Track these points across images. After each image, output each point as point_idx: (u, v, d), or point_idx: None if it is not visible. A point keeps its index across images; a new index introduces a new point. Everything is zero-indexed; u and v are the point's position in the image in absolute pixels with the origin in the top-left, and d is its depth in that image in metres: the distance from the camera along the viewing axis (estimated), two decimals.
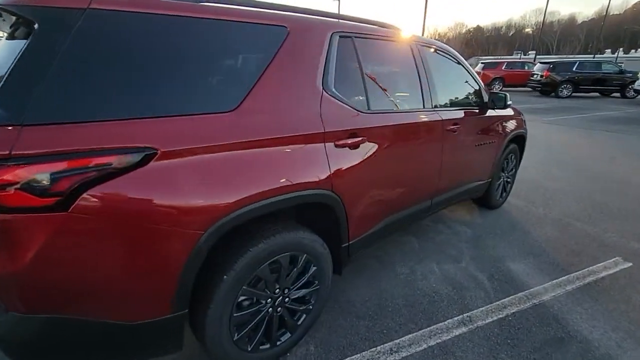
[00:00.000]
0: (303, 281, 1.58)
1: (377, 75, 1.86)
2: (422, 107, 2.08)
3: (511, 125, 3.05)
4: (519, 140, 3.34)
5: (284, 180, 1.31)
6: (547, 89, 15.33)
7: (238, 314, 1.36)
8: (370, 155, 1.70)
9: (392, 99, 1.96)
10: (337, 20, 1.69)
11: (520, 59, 31.70)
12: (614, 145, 6.34)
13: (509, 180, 3.43)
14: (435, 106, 2.16)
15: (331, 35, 1.59)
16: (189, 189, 1.09)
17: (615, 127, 8.08)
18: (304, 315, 1.66)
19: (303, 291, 1.60)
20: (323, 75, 1.51)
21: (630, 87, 14.62)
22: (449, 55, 2.47)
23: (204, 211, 1.12)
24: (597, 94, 15.95)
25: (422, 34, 22.44)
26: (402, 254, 2.57)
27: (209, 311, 1.25)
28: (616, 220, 3.19)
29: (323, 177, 1.45)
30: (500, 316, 1.93)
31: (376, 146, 1.73)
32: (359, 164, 1.64)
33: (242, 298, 1.36)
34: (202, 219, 1.12)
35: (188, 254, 1.11)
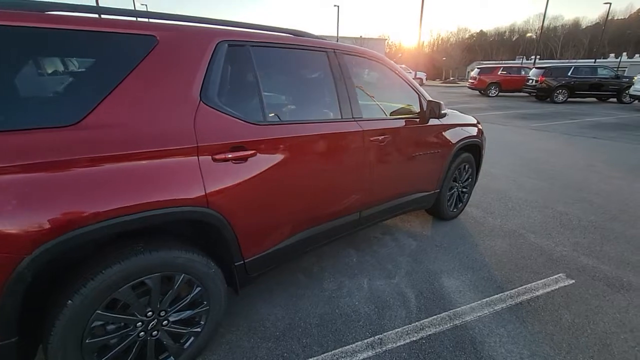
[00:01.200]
0: (185, 302, 1.49)
1: (280, 85, 1.79)
2: (338, 117, 2.00)
3: (460, 133, 2.95)
4: (473, 149, 3.23)
5: (138, 197, 1.23)
6: (542, 94, 15.16)
7: (93, 339, 1.27)
8: (266, 169, 1.62)
9: (298, 109, 1.88)
10: (228, 28, 1.62)
11: (521, 64, 31.50)
12: (597, 152, 6.19)
13: (464, 190, 3.32)
14: (356, 116, 2.07)
15: (217, 44, 1.52)
16: (5, 210, 1.01)
17: (603, 134, 7.90)
18: (192, 338, 1.57)
19: (187, 313, 1.52)
20: (202, 85, 1.44)
21: (626, 92, 14.39)
22: (380, 63, 2.39)
23: (25, 234, 1.04)
24: (594, 99, 15.74)
25: (419, 40, 22.40)
26: (335, 267, 2.48)
27: (51, 338, 1.17)
28: (573, 232, 3.06)
29: (194, 193, 1.37)
30: (414, 339, 1.82)
31: (274, 159, 1.65)
32: (249, 178, 1.56)
33: (98, 323, 1.28)
34: (21, 243, 1.04)
35: (6, 279, 1.04)
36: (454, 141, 2.86)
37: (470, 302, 2.11)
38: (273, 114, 1.71)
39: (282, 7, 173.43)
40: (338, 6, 33.76)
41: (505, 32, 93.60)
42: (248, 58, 1.63)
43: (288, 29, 1.94)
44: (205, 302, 1.56)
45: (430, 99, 2.52)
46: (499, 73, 17.93)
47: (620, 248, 2.78)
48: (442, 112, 2.50)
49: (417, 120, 2.55)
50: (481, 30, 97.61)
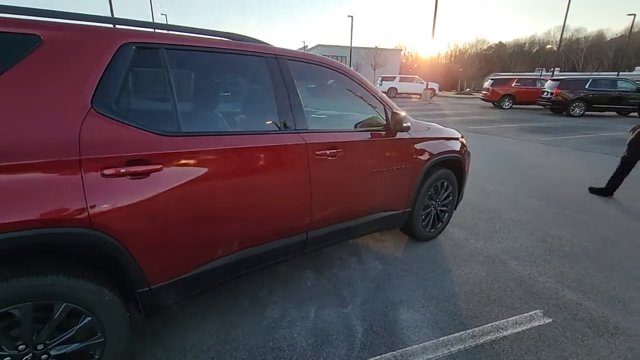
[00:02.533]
0: (70, 334, 1.32)
1: (204, 93, 1.63)
2: (277, 129, 1.82)
3: (436, 148, 2.71)
4: (453, 164, 2.98)
5: None
6: (558, 107, 14.58)
7: None
8: (177, 185, 1.45)
9: (225, 119, 1.71)
10: (138, 29, 1.48)
11: (540, 75, 30.63)
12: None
13: (444, 209, 3.06)
14: (300, 128, 1.89)
15: (121, 46, 1.38)
16: None
17: (616, 150, 7.38)
18: None
19: (75, 346, 1.35)
20: (95, 91, 1.30)
21: None
22: (339, 71, 2.20)
23: None
24: (614, 113, 15.03)
25: (432, 51, 22.07)
26: (286, 291, 2.27)
27: None
28: (562, 260, 2.74)
29: (72, 212, 1.21)
30: None
31: (189, 174, 1.48)
32: (154, 196, 1.39)
33: None
34: None
35: None
36: (426, 156, 2.62)
37: (425, 340, 1.86)
38: (192, 124, 1.55)
39: (298, 21, 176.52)
40: (352, 16, 33.96)
41: (525, 43, 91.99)
42: (161, 62, 1.48)
43: (225, 33, 1.79)
44: (98, 334, 1.38)
45: (397, 110, 2.31)
46: (513, 85, 17.42)
47: (613, 281, 2.46)
48: (404, 124, 2.28)
49: (383, 133, 2.34)
50: (500, 42, 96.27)
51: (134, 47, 1.41)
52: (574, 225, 3.41)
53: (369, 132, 2.28)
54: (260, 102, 1.84)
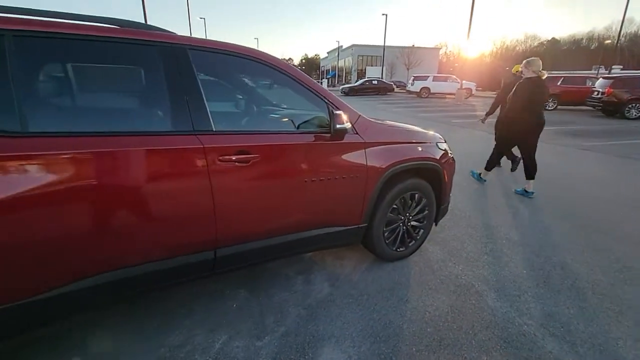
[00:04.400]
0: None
1: (67, 87, 1.41)
2: (166, 129, 1.56)
3: (398, 154, 2.30)
4: (427, 173, 2.54)
5: None
6: (610, 108, 12.94)
7: None
8: (12, 196, 1.24)
9: (96, 118, 1.47)
10: None
11: (597, 74, 27.67)
12: None
13: (418, 224, 2.63)
14: (199, 129, 1.60)
15: None
16: None
17: None
18: None
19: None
20: None
21: None
22: (266, 64, 1.88)
23: None
24: None
25: (468, 48, 20.80)
26: (206, 312, 2.00)
27: None
28: (556, 296, 2.20)
29: None
30: None
31: (31, 181, 1.26)
32: None
33: None
34: None
35: None
36: (385, 163, 2.22)
37: None
38: (45, 123, 1.34)
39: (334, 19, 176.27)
40: (386, 15, 33.08)
41: (582, 39, 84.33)
42: (2, 50, 1.28)
43: (114, 19, 1.56)
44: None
45: (339, 111, 1.93)
46: (558, 83, 15.78)
47: (619, 332, 1.90)
48: (338, 126, 1.90)
49: (325, 135, 1.99)
50: (553, 38, 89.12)
51: None
52: (589, 251, 2.80)
53: (301, 135, 1.94)
54: (145, 99, 1.59)
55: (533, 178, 4.17)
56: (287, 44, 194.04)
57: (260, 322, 1.94)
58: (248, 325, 1.92)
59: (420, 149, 2.46)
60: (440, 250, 2.80)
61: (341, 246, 2.41)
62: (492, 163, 4.62)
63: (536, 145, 4.14)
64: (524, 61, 4.00)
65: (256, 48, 1.92)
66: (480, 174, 4.78)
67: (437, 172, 2.57)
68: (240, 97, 2.24)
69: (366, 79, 30.41)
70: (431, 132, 2.71)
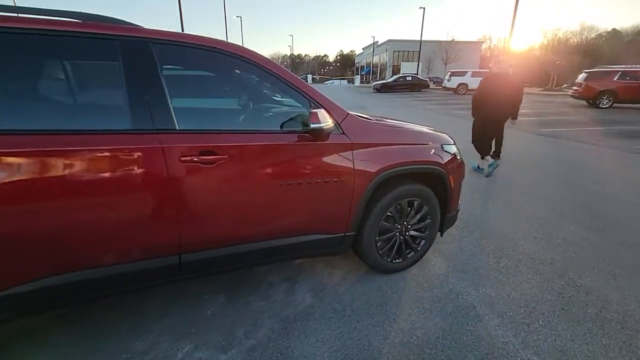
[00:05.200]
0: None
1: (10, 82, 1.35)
2: (124, 127, 1.47)
3: (391, 157, 2.07)
4: (430, 179, 2.29)
5: None
6: None
7: None
8: None
9: (41, 115, 1.40)
10: None
11: None
12: None
13: (419, 234, 2.38)
14: (161, 127, 1.51)
15: None
16: None
17: None
18: None
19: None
20: None
21: None
22: (238, 57, 1.74)
23: None
24: None
25: (509, 41, 19.38)
26: (177, 319, 1.93)
27: None
28: (576, 327, 1.88)
29: None
30: None
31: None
32: None
33: None
34: None
35: None
36: (376, 167, 2.01)
37: None
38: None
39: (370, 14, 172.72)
40: (424, 8, 31.79)
41: None
42: None
43: (78, 13, 1.51)
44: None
45: (317, 110, 1.75)
46: (615, 79, 14.23)
47: None
48: (312, 126, 1.71)
49: (306, 135, 1.83)
50: (614, 29, 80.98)
51: None
52: (625, 276, 2.39)
53: (279, 134, 1.79)
54: (102, 96, 1.52)
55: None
56: (323, 40, 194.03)
57: (230, 333, 1.83)
58: (217, 335, 1.82)
59: (421, 151, 2.22)
60: (445, 264, 2.53)
61: (327, 255, 2.24)
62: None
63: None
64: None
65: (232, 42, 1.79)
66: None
67: (441, 178, 2.31)
68: (212, 94, 2.14)
69: (400, 75, 29.48)
70: (438, 133, 2.44)
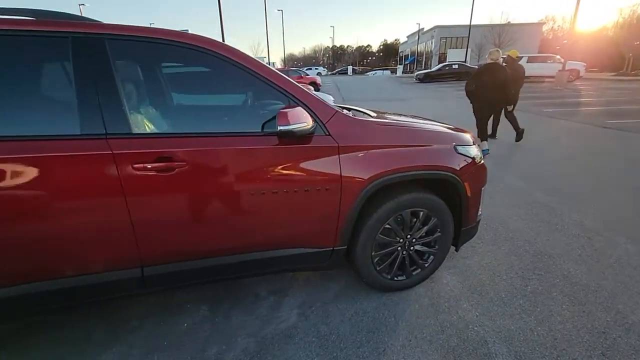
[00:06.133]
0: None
1: None
2: (73, 132, 1.36)
3: (389, 161, 1.77)
4: (441, 187, 1.96)
5: None
6: None
7: None
8: None
9: None
10: None
11: None
12: None
13: (428, 250, 2.07)
14: (112, 131, 1.38)
15: None
16: None
17: None
18: None
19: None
20: None
21: None
22: (205, 51, 1.54)
23: None
24: None
25: (574, 18, 17.12)
26: (153, 331, 1.83)
27: None
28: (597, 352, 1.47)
29: None
30: None
31: None
32: None
33: None
34: None
35: None
36: (369, 173, 1.73)
37: None
38: None
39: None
40: None
41: None
42: None
43: (32, 10, 1.43)
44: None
45: (287, 109, 1.51)
46: None
47: None
48: (280, 128, 1.47)
49: (269, 138, 1.59)
50: None
51: None
52: None
53: (249, 137, 1.59)
54: (48, 99, 1.41)
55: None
56: (366, 30, 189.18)
57: (201, 351, 1.70)
58: (187, 352, 1.70)
59: (425, 154, 1.90)
60: (459, 283, 2.18)
61: (315, 270, 2.01)
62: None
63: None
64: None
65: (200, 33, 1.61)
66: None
67: (453, 185, 1.96)
68: (175, 93, 1.99)
69: (446, 63, 27.69)
70: (453, 132, 2.08)
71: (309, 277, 2.28)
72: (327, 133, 1.69)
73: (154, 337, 1.80)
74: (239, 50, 1.62)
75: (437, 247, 2.09)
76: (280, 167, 1.62)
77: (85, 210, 1.39)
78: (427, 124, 2.14)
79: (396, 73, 48.73)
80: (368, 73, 53.63)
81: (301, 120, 1.51)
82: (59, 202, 1.35)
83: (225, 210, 1.60)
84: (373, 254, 1.95)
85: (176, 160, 1.45)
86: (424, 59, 54.45)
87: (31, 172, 1.30)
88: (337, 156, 1.69)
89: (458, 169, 1.95)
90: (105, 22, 1.49)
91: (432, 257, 2.11)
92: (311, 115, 1.64)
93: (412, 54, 60.04)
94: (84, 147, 1.35)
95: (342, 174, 1.70)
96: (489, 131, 5.73)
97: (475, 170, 2.06)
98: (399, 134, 1.89)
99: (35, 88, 1.38)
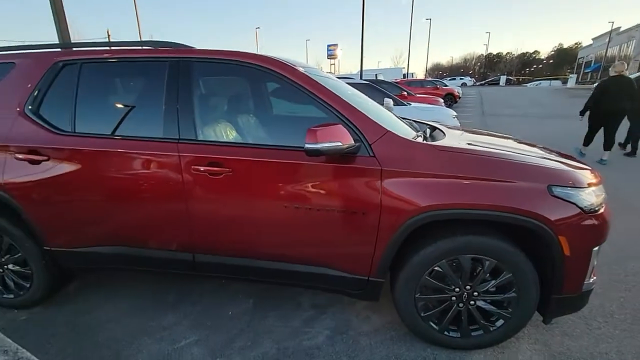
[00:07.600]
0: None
1: (105, 99, 1.81)
2: (157, 136, 1.71)
3: (446, 192, 1.48)
4: (523, 235, 1.54)
5: None
6: None
7: None
8: (60, 174, 1.77)
9: (118, 123, 1.78)
10: (69, 49, 1.85)
11: None
12: None
13: (497, 309, 1.65)
14: (184, 137, 1.67)
15: (54, 64, 1.82)
16: None
17: None
18: None
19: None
20: (27, 99, 1.82)
21: None
22: (262, 68, 1.66)
23: None
24: None
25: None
26: (202, 309, 2.10)
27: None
28: None
29: None
30: None
31: (68, 166, 1.76)
32: (45, 178, 1.79)
33: None
34: None
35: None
36: (417, 203, 1.50)
37: None
38: (83, 126, 1.79)
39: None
40: None
41: None
42: (75, 74, 1.80)
43: (151, 41, 1.88)
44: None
45: (326, 128, 1.46)
46: None
47: None
48: (307, 146, 1.40)
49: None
50: None
51: (61, 64, 1.82)
52: None
53: (289, 152, 1.62)
54: (150, 108, 1.80)
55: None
56: (531, 34, 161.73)
57: (230, 341, 1.85)
58: (220, 337, 1.88)
59: (500, 191, 1.50)
60: (542, 355, 1.64)
61: (350, 296, 1.86)
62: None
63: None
64: None
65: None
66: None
67: (542, 237, 1.49)
68: (233, 106, 2.15)
69: None
70: (554, 167, 1.58)
71: (356, 302, 2.15)
72: (372, 154, 1.56)
73: (203, 315, 2.06)
74: (297, 68, 1.69)
75: (510, 309, 1.63)
76: (314, 183, 1.60)
77: (157, 196, 1.74)
78: (524, 153, 1.70)
79: (567, 84, 39.48)
80: (528, 84, 45.85)
81: (334, 139, 1.45)
82: (148, 190, 1.74)
83: (266, 217, 1.69)
84: (417, 296, 1.68)
85: (225, 166, 1.63)
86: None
87: (137, 164, 1.73)
88: (379, 181, 1.54)
89: (551, 217, 1.47)
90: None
91: (501, 320, 1.66)
92: (356, 134, 1.56)
93: (598, 59, 48.00)
94: (162, 148, 1.69)
95: (382, 201, 1.54)
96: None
97: (584, 223, 1.51)
98: (466, 162, 1.56)
99: (157, 102, 1.79)
